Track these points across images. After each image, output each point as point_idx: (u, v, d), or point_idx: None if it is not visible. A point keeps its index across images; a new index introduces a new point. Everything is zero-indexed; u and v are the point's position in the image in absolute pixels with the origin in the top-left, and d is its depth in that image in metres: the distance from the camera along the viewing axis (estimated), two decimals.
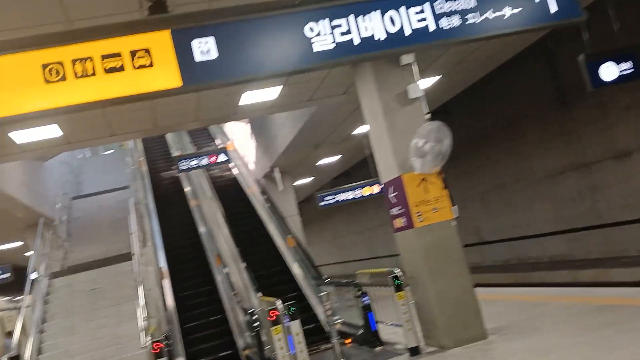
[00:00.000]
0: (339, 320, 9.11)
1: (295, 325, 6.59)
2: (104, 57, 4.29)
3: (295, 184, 18.21)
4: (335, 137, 13.03)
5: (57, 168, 16.96)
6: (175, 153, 16.85)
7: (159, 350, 6.35)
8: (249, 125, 16.59)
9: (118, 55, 4.30)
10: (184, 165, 11.57)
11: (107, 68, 4.21)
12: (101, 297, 10.82)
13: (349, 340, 8.58)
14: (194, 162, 11.71)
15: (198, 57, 4.42)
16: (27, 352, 8.81)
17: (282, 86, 7.79)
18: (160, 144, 20.70)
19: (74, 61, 4.24)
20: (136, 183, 15.39)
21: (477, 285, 9.48)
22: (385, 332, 7.89)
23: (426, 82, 10.09)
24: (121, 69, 4.28)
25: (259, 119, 15.08)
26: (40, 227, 12.31)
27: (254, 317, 8.08)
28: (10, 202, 11.35)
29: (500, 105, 14.91)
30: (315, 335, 9.34)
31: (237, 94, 7.70)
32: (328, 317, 7.91)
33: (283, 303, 6.80)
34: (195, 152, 11.67)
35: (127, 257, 11.33)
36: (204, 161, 11.80)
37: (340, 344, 8.20)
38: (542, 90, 13.38)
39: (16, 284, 14.21)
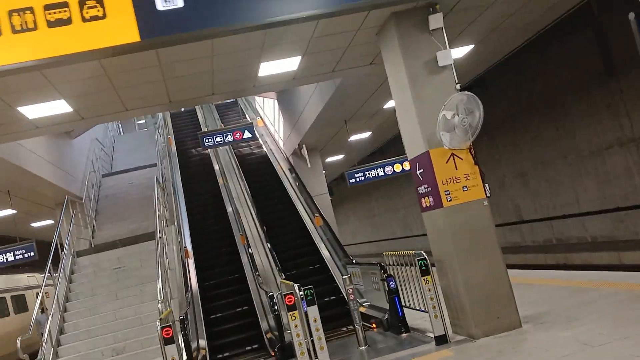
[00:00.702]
0: (365, 303, 8.71)
1: (313, 311, 6.20)
2: (47, 7, 3.72)
3: (325, 161, 17.76)
4: (364, 112, 12.47)
5: (87, 145, 16.89)
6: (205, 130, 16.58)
7: (169, 335, 6.07)
8: (277, 100, 16.18)
9: (64, 5, 3.72)
10: (208, 141, 11.25)
11: (51, 20, 3.68)
12: (125, 276, 10.67)
13: (375, 324, 8.17)
14: (218, 139, 11.36)
15: (160, 6, 3.85)
16: (47, 332, 8.71)
17: (301, 56, 7.30)
18: (191, 122, 20.53)
19: (10, 12, 3.69)
20: (164, 161, 15.20)
21: (515, 266, 8.87)
22: (413, 317, 7.46)
23: (459, 52, 9.42)
24: (68, 21, 3.72)
25: (287, 94, 14.64)
26: (65, 205, 12.22)
27: (274, 300, 7.76)
28: (35, 180, 11.25)
29: (541, 77, 14.05)
30: (342, 318, 8.97)
31: (254, 65, 7.25)
32: (351, 301, 7.51)
33: (305, 286, 6.42)
34: (218, 128, 11.31)
35: (152, 235, 11.12)
36: (229, 138, 11.44)
37: (365, 329, 7.82)
38: (587, 61, 12.49)
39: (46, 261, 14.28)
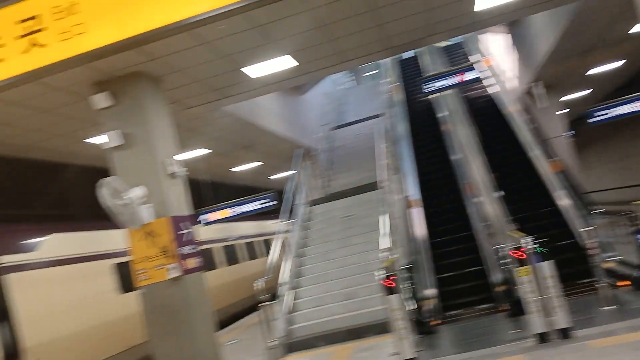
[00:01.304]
0: (611, 258, 7.68)
1: (547, 268, 5.58)
2: None
3: (563, 99, 16.00)
4: (607, 40, 10.77)
5: (317, 99, 17.73)
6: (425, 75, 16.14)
7: (392, 285, 6.04)
8: (508, 36, 14.93)
9: None
10: (428, 87, 10.81)
11: None
12: (353, 224, 11.04)
13: (625, 282, 7.16)
14: (439, 84, 10.82)
15: None
16: (285, 275, 9.44)
17: None
18: (416, 68, 20.19)
19: None
20: (389, 110, 15.22)
21: None
22: None
23: None
24: None
25: (516, 28, 13.41)
26: (298, 157, 13.01)
27: (500, 254, 7.24)
28: (271, 136, 12.16)
29: None
30: (583, 268, 8.04)
31: None
32: (593, 257, 6.65)
33: (538, 239, 5.79)
34: (438, 72, 10.78)
35: (379, 185, 11.27)
36: (451, 81, 10.81)
37: (611, 287, 6.91)
38: None
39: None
